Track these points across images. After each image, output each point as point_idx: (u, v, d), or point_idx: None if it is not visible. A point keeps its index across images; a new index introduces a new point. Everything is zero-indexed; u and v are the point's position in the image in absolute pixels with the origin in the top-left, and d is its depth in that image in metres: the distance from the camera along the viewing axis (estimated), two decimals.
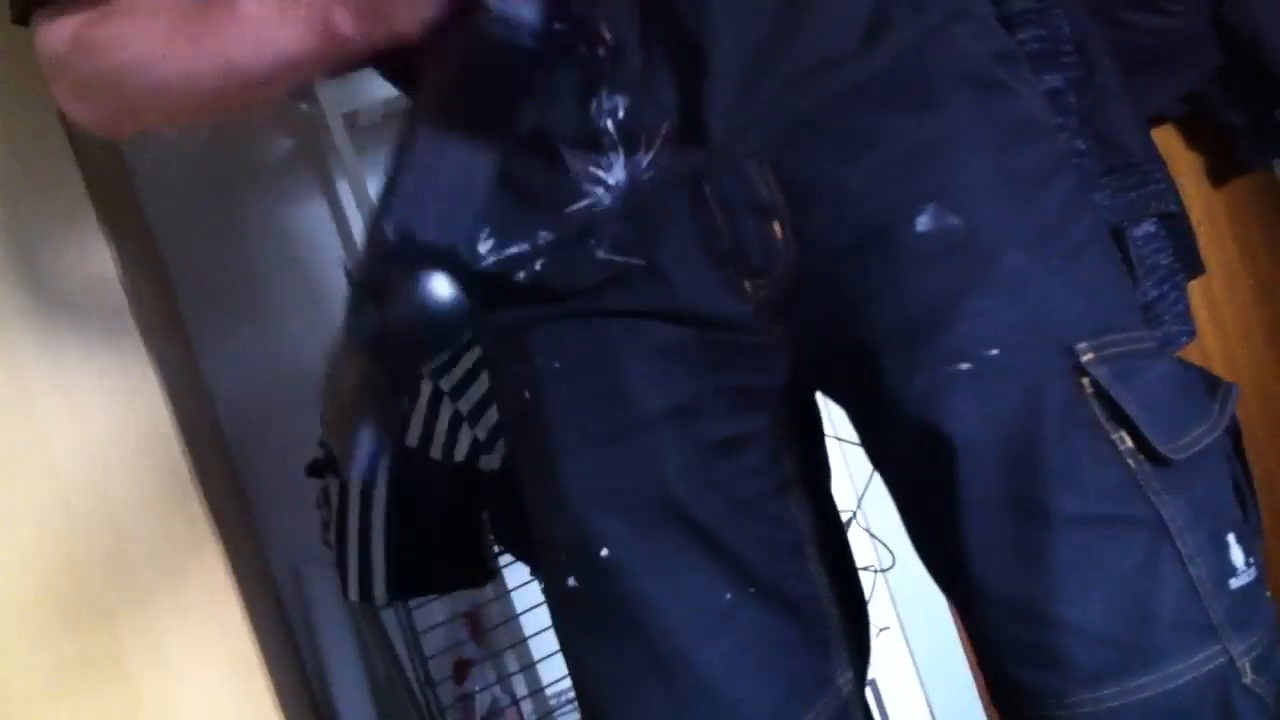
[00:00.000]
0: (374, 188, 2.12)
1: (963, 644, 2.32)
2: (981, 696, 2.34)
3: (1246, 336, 2.61)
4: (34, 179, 1.26)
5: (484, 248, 0.86)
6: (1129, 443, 0.81)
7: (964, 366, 0.82)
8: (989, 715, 2.34)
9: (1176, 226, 1.77)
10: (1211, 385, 0.88)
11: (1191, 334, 1.74)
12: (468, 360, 1.63)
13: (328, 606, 2.05)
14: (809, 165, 0.84)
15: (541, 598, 1.89)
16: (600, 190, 0.84)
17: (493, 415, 1.60)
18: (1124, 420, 0.81)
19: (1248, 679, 0.82)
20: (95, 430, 1.27)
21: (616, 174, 0.84)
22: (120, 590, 1.28)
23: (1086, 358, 0.81)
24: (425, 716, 1.83)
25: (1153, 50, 1.87)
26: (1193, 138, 2.41)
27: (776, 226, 0.85)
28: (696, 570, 0.89)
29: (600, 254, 0.86)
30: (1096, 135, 1.61)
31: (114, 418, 1.28)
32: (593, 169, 0.83)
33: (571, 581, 0.92)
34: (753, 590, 0.91)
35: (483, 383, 1.61)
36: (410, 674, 1.88)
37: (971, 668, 2.32)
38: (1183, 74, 2.16)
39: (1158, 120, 2.08)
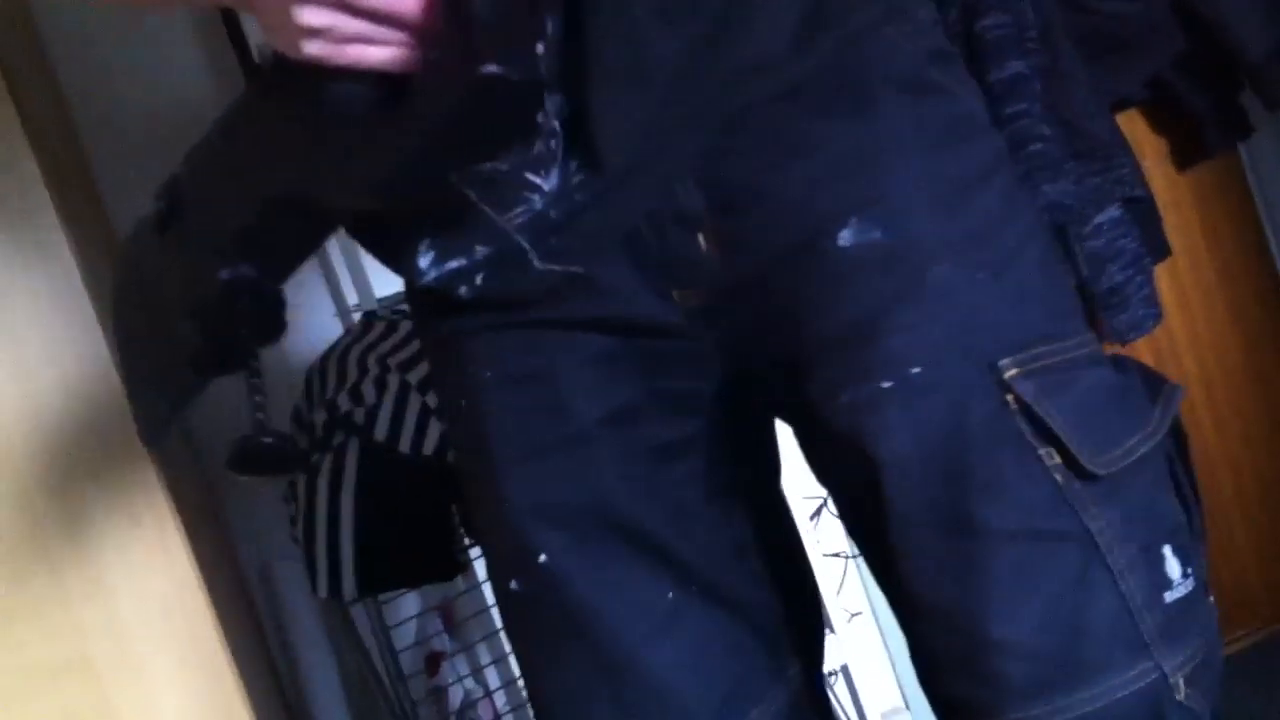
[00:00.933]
0: None
1: None
2: None
3: (1211, 318, 2.63)
4: None
5: (424, 261, 0.84)
6: (1056, 458, 0.80)
7: (886, 384, 0.81)
8: None
9: (1142, 211, 1.78)
10: (1154, 388, 0.87)
11: (1158, 316, 1.75)
12: None
13: (298, 603, 2.05)
14: (736, 174, 0.83)
15: None
16: (535, 196, 0.82)
17: None
18: (1050, 436, 0.80)
19: (1180, 694, 0.82)
20: (57, 429, 1.26)
21: (551, 180, 0.81)
22: (88, 591, 1.27)
23: (1011, 373, 0.80)
24: (396, 711, 1.83)
25: (1116, 35, 1.87)
26: (1158, 123, 2.42)
27: (701, 237, 0.84)
28: (637, 576, 0.89)
29: (537, 264, 0.84)
30: (1061, 121, 1.61)
31: (76, 414, 1.27)
32: (528, 174, 0.81)
33: (514, 585, 0.91)
34: (695, 589, 0.90)
35: None
36: (380, 669, 1.88)
37: None
38: (1146, 59, 2.17)
39: (1122, 105, 2.09)
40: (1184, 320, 2.60)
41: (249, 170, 0.84)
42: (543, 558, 0.88)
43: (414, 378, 1.59)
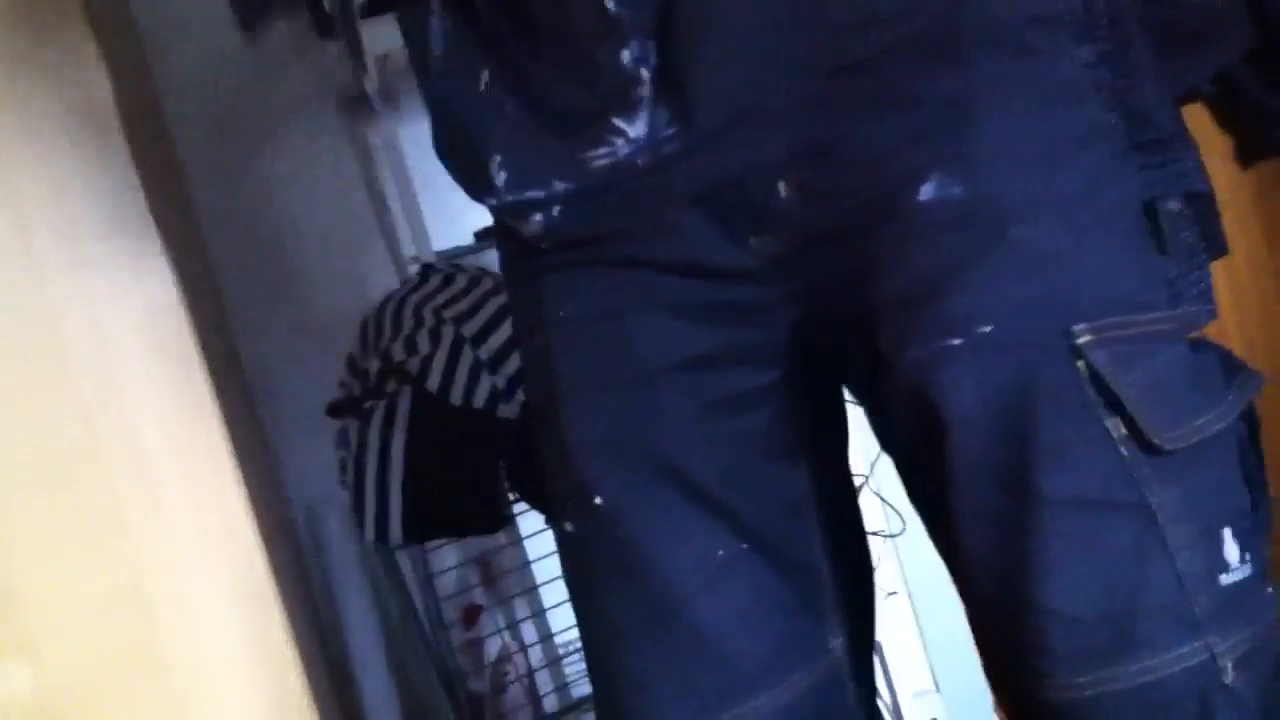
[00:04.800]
0: (404, 131, 2.13)
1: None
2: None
3: (1266, 321, 2.61)
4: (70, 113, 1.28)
5: (499, 179, 0.86)
6: (1123, 429, 0.79)
7: (955, 341, 0.80)
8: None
9: (1202, 206, 1.76)
10: (1230, 370, 0.86)
11: (1212, 313, 1.73)
12: (490, 308, 1.64)
13: (341, 546, 2.08)
14: (826, 126, 0.82)
15: (554, 546, 1.91)
16: (620, 142, 0.82)
17: (512, 364, 1.61)
18: (1118, 407, 0.78)
19: (1228, 678, 0.80)
20: (120, 358, 1.28)
21: (638, 128, 0.82)
22: (146, 525, 1.30)
23: (1084, 340, 0.78)
24: (436, 657, 1.86)
25: (1186, 27, 1.85)
26: (1224, 119, 2.39)
27: (782, 185, 0.84)
28: (690, 527, 0.89)
29: (612, 202, 0.85)
30: (1127, 110, 1.60)
31: (141, 345, 1.29)
32: (615, 118, 0.82)
33: (569, 527, 0.93)
34: (746, 546, 0.90)
35: (504, 331, 1.63)
36: (423, 615, 1.91)
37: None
38: (1214, 53, 2.14)
39: (1187, 99, 2.07)
40: (1238, 322, 2.57)
41: None
42: (598, 499, 0.89)
43: (468, 331, 1.61)
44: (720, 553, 0.89)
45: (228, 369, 1.84)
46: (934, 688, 2.31)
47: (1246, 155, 2.49)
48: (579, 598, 0.96)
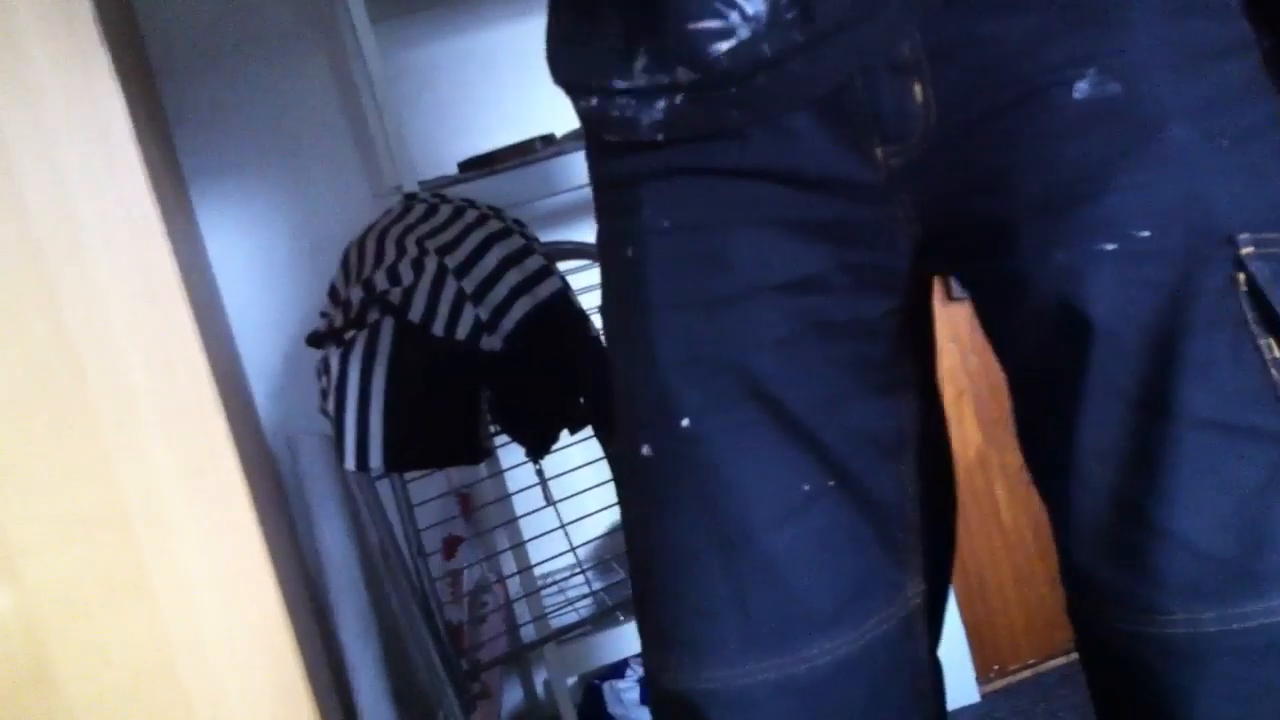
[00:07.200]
0: (389, 60, 2.11)
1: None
2: (965, 624, 2.38)
3: None
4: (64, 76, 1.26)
5: (638, 64, 0.83)
6: (1275, 351, 0.75)
7: (1110, 246, 0.76)
8: (966, 627, 2.38)
9: None
10: None
11: None
12: (474, 239, 1.63)
13: (320, 476, 2.08)
14: (960, 22, 0.78)
15: (533, 479, 1.92)
16: (736, 17, 0.78)
17: (495, 296, 1.60)
18: (1274, 326, 0.74)
19: None
20: (103, 284, 1.27)
21: (757, 4, 0.77)
22: (123, 445, 1.29)
23: (1247, 250, 0.75)
24: (416, 586, 1.86)
25: None
26: None
27: (917, 87, 0.79)
28: (777, 456, 0.85)
29: (735, 95, 0.81)
30: None
31: (123, 270, 1.28)
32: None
33: (646, 449, 0.87)
34: (833, 483, 0.86)
35: (488, 263, 1.62)
36: (403, 545, 1.91)
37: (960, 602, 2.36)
38: None
39: None
40: None
41: None
42: (685, 421, 0.85)
43: (452, 262, 1.60)
44: (805, 487, 0.85)
45: (208, 298, 1.83)
46: None
47: None
48: (642, 524, 0.90)
